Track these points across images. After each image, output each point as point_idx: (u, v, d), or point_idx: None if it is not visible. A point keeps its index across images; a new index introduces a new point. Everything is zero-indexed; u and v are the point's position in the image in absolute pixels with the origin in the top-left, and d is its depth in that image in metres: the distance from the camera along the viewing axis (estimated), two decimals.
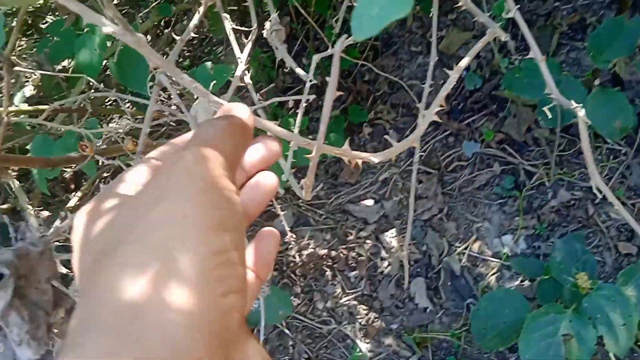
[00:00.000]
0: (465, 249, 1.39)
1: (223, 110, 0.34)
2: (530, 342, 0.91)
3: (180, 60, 1.72)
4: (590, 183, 1.40)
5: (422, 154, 1.51)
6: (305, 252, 1.37)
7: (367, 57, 1.66)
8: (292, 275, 1.41)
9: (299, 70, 0.68)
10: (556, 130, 1.39)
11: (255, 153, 0.34)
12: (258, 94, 0.73)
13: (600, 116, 1.19)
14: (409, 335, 1.30)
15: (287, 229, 1.06)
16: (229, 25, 0.74)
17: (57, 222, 0.52)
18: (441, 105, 0.52)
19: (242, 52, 0.75)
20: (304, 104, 0.71)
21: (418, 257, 1.40)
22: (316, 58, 0.69)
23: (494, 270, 1.36)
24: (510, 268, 1.35)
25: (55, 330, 0.48)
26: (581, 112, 0.53)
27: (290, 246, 1.39)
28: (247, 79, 0.79)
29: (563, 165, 1.43)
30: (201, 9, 0.68)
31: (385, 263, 1.39)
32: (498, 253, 1.38)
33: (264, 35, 0.71)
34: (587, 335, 0.88)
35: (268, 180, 0.33)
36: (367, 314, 1.33)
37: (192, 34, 0.73)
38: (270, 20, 0.71)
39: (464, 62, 0.57)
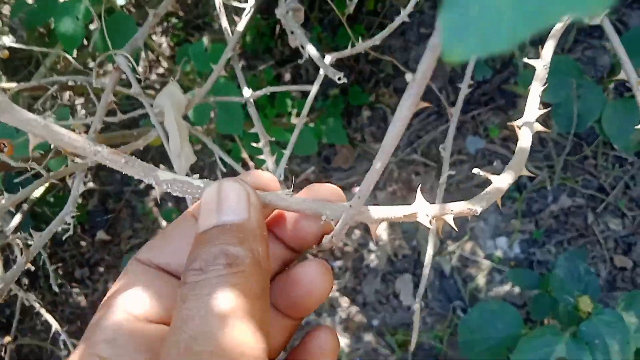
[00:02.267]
0: (457, 247, 1.34)
1: (204, 212, 0.23)
2: None
3: (175, 25, 1.61)
4: (591, 191, 1.32)
5: (422, 143, 1.44)
6: None
7: (373, 34, 1.57)
8: None
9: (328, 68, 0.58)
10: (568, 134, 1.32)
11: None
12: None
13: (617, 126, 1.13)
14: (391, 335, 1.25)
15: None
16: None
17: None
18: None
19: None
20: (311, 92, 0.63)
21: (407, 252, 1.34)
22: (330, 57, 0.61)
23: (485, 273, 1.30)
24: (501, 272, 1.30)
25: None
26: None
27: None
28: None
29: (567, 169, 1.37)
30: None
31: (372, 256, 1.33)
32: (490, 255, 1.32)
33: (277, 15, 0.62)
34: None
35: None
36: (348, 308, 1.27)
37: None
38: None
39: None
